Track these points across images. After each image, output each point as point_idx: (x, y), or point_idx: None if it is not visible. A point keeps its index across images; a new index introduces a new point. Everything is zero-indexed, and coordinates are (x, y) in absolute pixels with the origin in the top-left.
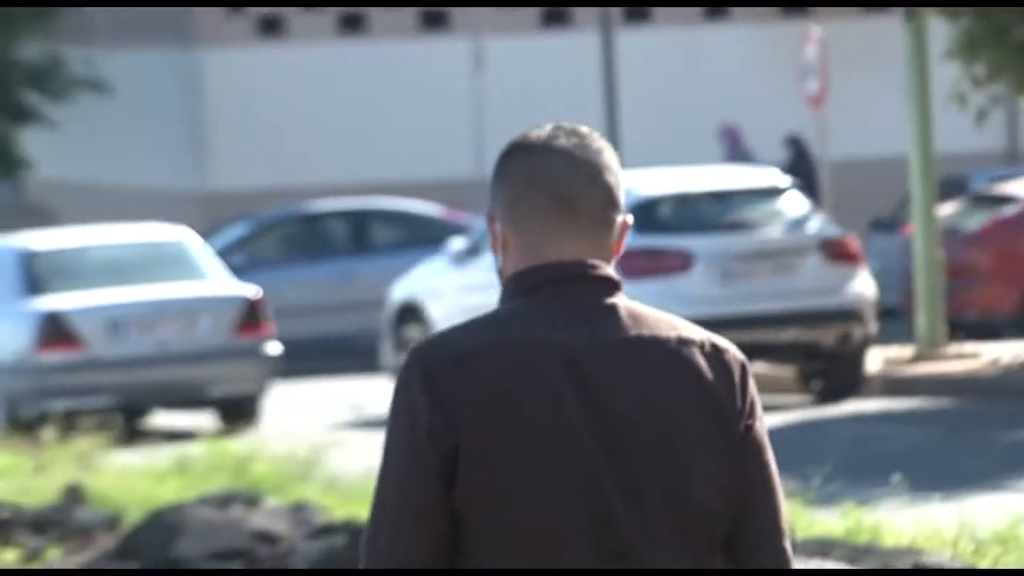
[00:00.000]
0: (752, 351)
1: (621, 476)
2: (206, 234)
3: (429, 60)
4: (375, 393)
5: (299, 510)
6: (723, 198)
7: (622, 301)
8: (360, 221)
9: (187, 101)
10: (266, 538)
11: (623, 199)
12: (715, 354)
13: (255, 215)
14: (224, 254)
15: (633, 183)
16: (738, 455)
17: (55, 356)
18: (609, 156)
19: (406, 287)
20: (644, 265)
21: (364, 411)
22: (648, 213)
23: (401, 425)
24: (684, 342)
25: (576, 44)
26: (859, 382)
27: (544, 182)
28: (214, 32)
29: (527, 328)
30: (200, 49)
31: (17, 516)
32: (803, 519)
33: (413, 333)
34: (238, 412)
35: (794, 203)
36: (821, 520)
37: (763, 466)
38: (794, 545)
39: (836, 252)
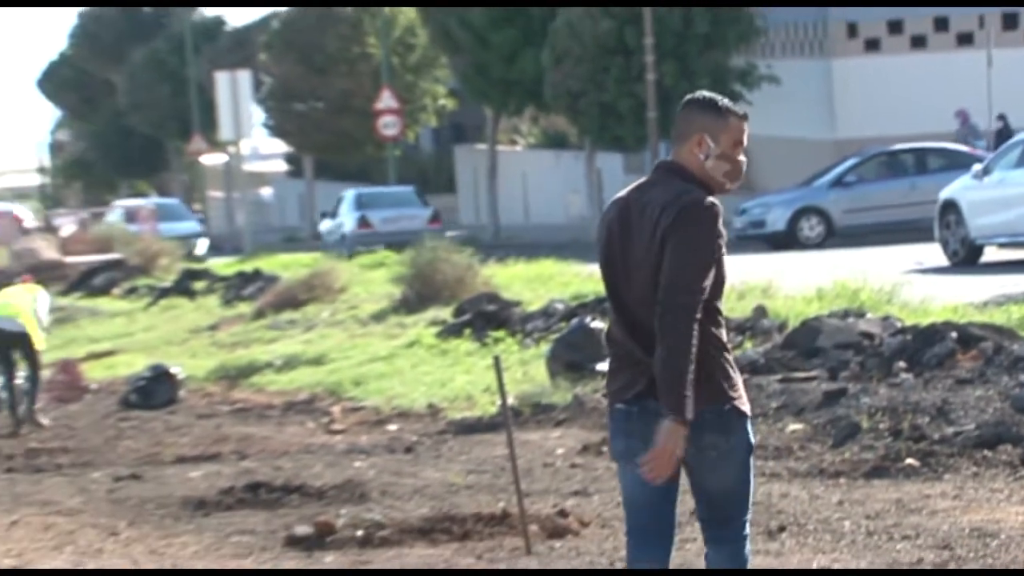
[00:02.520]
0: None
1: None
2: (831, 167)
3: None
4: (930, 254)
5: (886, 318)
6: None
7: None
8: (921, 155)
9: (823, 86)
10: (867, 336)
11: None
12: (670, 202)
13: (860, 152)
14: (840, 175)
15: None
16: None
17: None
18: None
19: (947, 191)
20: None
21: (923, 264)
22: None
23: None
24: (663, 196)
25: None
26: None
27: None
28: (842, 48)
29: (628, 190)
30: (834, 57)
31: (727, 323)
32: None
33: (951, 218)
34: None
35: None
36: None
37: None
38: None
39: None
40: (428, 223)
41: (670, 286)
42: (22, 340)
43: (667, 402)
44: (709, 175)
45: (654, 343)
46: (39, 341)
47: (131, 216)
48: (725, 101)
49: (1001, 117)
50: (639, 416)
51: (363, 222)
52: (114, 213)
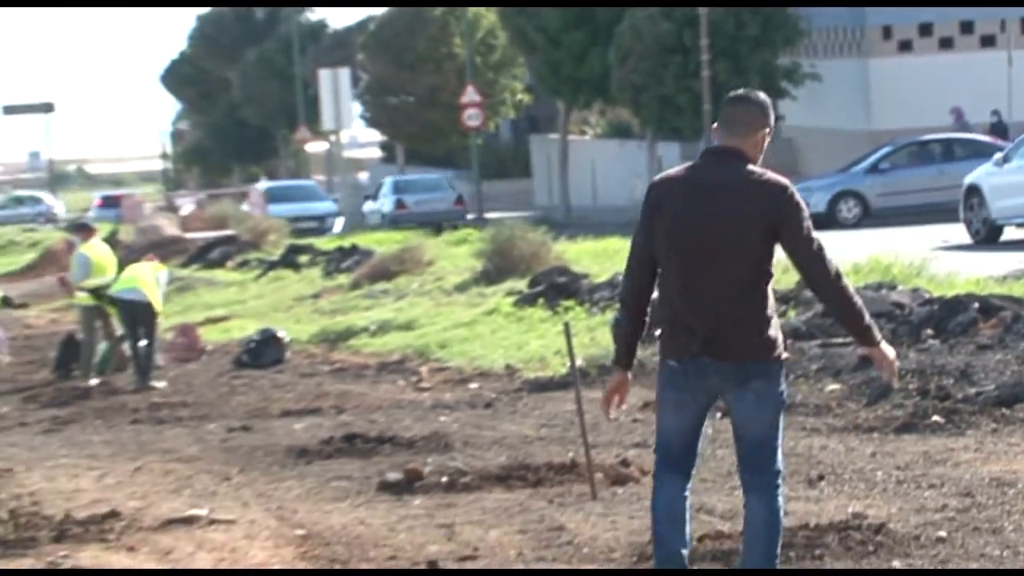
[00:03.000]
0: None
1: (712, 236)
2: (867, 155)
3: None
4: (955, 233)
5: (915, 290)
6: None
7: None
8: (947, 144)
9: (860, 83)
10: (898, 306)
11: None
12: (767, 185)
13: (892, 142)
14: (875, 163)
15: None
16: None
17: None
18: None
19: (971, 177)
20: None
21: (949, 242)
22: None
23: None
24: (761, 182)
25: None
26: None
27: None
28: (878, 49)
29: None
30: (871, 57)
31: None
32: None
33: (974, 201)
34: None
35: None
36: None
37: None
38: None
39: None
40: (453, 205)
41: (823, 265)
42: (145, 309)
43: (867, 336)
44: (757, 163)
45: (726, 315)
46: (159, 310)
47: (276, 196)
48: None
49: (995, 112)
50: (694, 373)
51: (399, 204)
52: (256, 191)
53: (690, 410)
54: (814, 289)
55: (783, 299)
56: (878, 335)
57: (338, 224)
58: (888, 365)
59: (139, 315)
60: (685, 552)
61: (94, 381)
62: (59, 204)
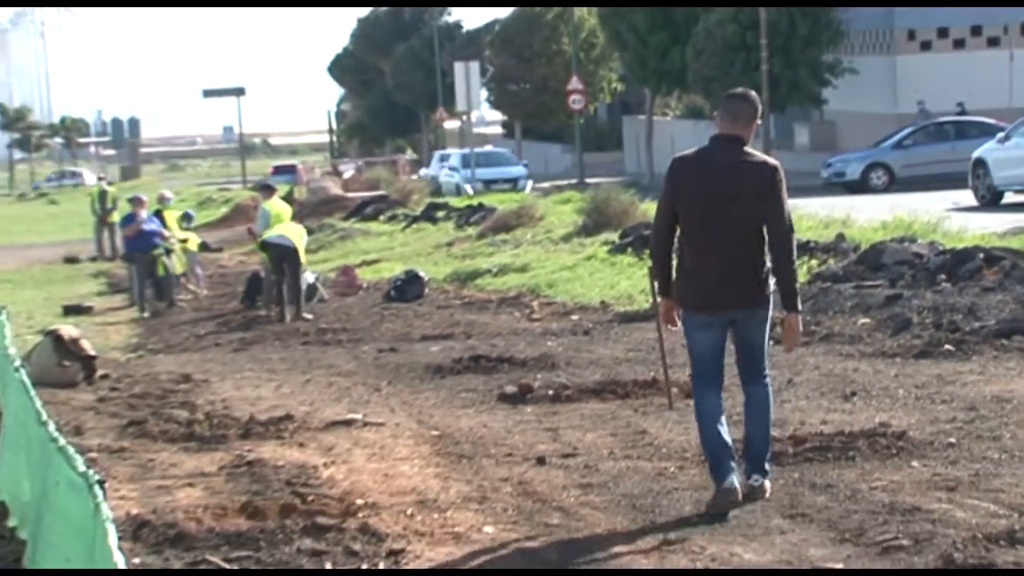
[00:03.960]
0: None
1: (720, 207)
2: (893, 134)
3: None
4: (964, 197)
5: (931, 243)
6: None
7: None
8: (959, 125)
9: (889, 75)
10: (917, 255)
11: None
12: (761, 166)
13: (914, 123)
14: (900, 140)
15: None
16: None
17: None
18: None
19: (978, 152)
20: None
21: (959, 204)
22: None
23: (665, 186)
24: (756, 163)
25: None
26: None
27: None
28: (904, 47)
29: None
30: (898, 55)
31: (817, 246)
32: None
33: (980, 171)
34: None
35: None
36: None
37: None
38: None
39: None
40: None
41: (784, 228)
42: (292, 253)
43: (792, 303)
44: (749, 144)
45: (737, 269)
46: (303, 257)
47: (446, 158)
48: None
49: (959, 104)
50: (719, 324)
51: (466, 175)
52: (434, 162)
53: (715, 334)
54: (772, 250)
55: (824, 250)
56: (799, 305)
57: (528, 186)
58: (794, 335)
59: (286, 257)
60: (730, 447)
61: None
62: (89, 174)
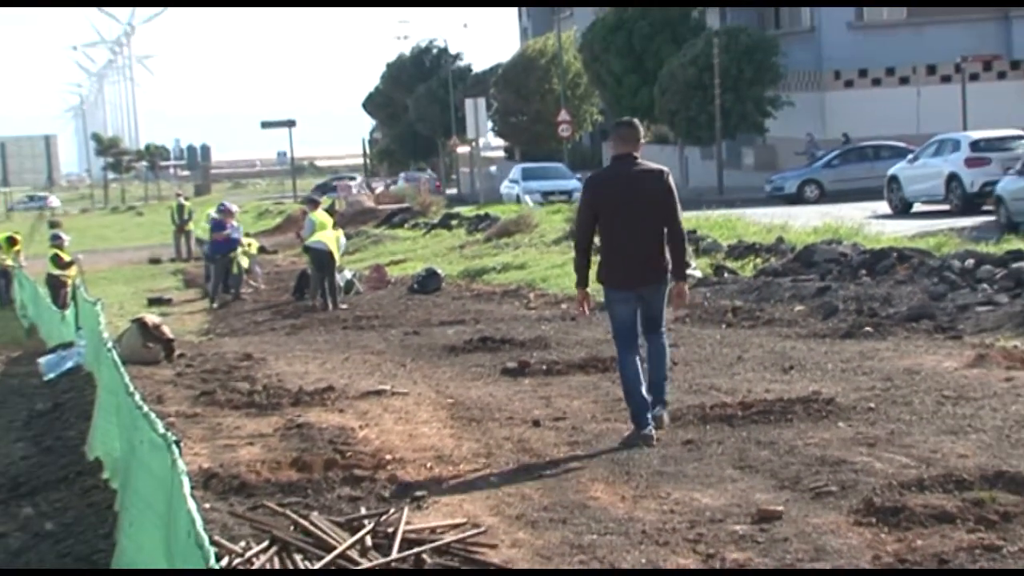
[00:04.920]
0: None
1: (630, 208)
2: (823, 155)
3: None
4: (881, 207)
5: (854, 244)
6: None
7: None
8: (876, 148)
9: (818, 107)
10: (843, 255)
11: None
12: (655, 173)
13: (839, 147)
14: (829, 160)
15: None
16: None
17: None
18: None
19: (892, 170)
20: None
21: (877, 212)
22: None
23: (584, 196)
24: (651, 171)
25: None
26: None
27: None
28: (830, 85)
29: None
30: (826, 91)
31: (759, 247)
32: None
33: (894, 186)
34: None
35: None
36: None
37: (672, 208)
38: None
39: None
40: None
41: (679, 222)
42: (328, 256)
43: (680, 274)
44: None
45: (647, 256)
46: (339, 260)
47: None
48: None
49: (845, 135)
50: (634, 298)
51: (528, 187)
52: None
53: (631, 308)
54: (670, 237)
55: (767, 250)
56: (686, 277)
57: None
58: (681, 298)
59: (324, 260)
60: (647, 396)
61: (334, 305)
62: (56, 200)
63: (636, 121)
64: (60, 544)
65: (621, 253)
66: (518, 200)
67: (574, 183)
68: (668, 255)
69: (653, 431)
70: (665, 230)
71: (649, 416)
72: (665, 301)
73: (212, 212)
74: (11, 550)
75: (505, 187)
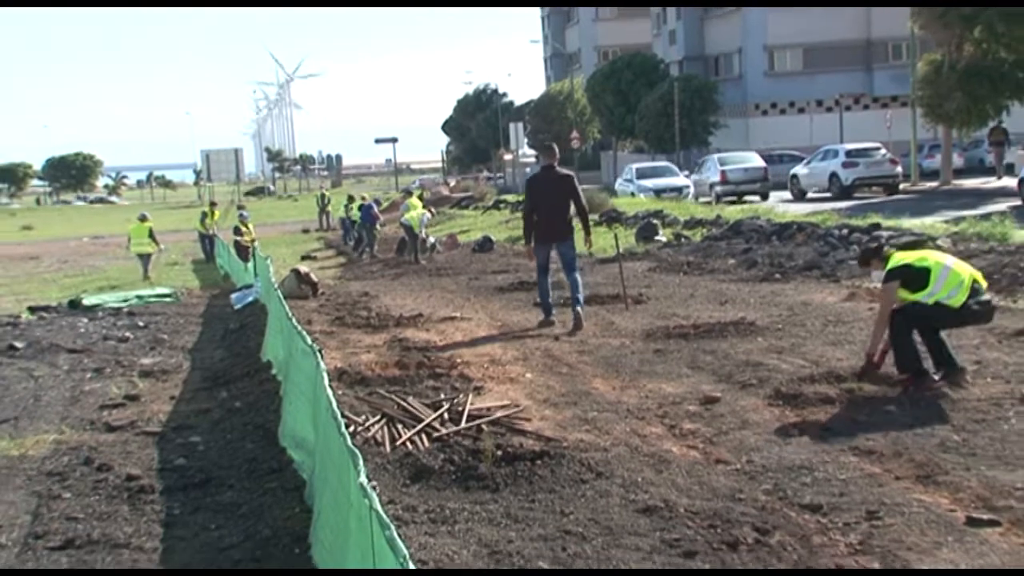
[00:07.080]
0: None
1: (550, 196)
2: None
3: None
4: (786, 195)
5: (769, 219)
6: None
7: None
8: (782, 155)
9: (744, 130)
10: (760, 226)
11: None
12: (566, 176)
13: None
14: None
15: None
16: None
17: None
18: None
19: (793, 170)
20: None
21: (784, 198)
22: None
23: (527, 189)
24: (563, 175)
25: None
26: None
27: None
28: (752, 113)
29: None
30: (749, 117)
31: (705, 221)
32: None
33: (795, 180)
34: None
35: None
36: None
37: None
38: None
39: None
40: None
41: (582, 203)
42: (410, 229)
43: (589, 241)
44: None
45: (558, 224)
46: (420, 232)
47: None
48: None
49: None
50: (548, 248)
51: (641, 185)
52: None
53: (546, 252)
54: (579, 212)
55: (710, 224)
56: (591, 234)
57: (690, 195)
58: (588, 245)
59: (408, 230)
60: (551, 304)
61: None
62: (120, 200)
63: (554, 144)
64: (244, 416)
65: (544, 223)
66: (632, 196)
67: (684, 180)
68: (575, 223)
69: (554, 319)
70: (572, 209)
71: (552, 315)
72: (575, 250)
73: (360, 202)
74: (214, 419)
75: (620, 184)
